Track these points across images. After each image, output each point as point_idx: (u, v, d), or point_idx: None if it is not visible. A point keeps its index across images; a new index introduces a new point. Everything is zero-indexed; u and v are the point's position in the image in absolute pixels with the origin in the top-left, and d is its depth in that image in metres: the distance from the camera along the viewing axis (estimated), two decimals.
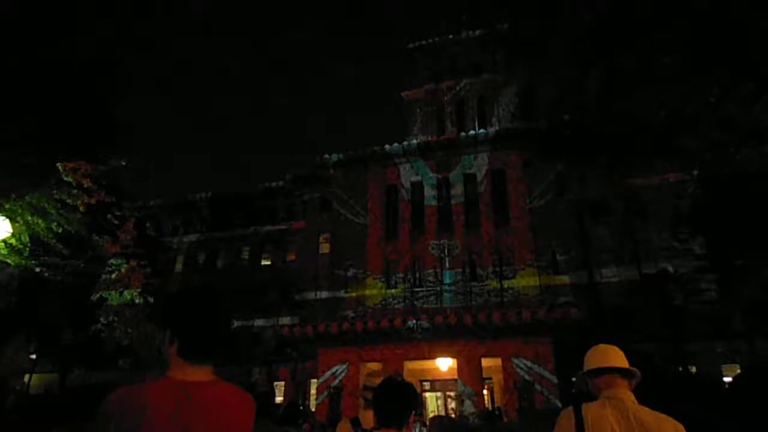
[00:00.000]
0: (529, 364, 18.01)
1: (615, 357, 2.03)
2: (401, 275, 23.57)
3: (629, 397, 1.93)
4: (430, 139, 26.18)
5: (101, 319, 20.42)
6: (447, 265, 23.25)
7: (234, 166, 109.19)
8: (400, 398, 2.01)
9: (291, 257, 28.88)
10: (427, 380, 21.31)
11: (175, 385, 1.31)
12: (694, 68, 8.70)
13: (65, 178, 11.92)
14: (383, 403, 2.01)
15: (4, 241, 10.07)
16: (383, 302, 23.17)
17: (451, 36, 29.15)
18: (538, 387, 17.61)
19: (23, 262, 11.49)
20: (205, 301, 1.46)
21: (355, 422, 3.44)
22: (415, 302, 22.71)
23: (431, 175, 25.32)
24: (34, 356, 22.10)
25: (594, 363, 2.04)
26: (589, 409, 1.89)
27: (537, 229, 22.45)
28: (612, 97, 10.83)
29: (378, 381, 3.04)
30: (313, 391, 22.22)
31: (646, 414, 1.85)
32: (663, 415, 1.85)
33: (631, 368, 2.00)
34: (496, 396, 19.80)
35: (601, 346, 2.13)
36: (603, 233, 20.95)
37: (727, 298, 15.08)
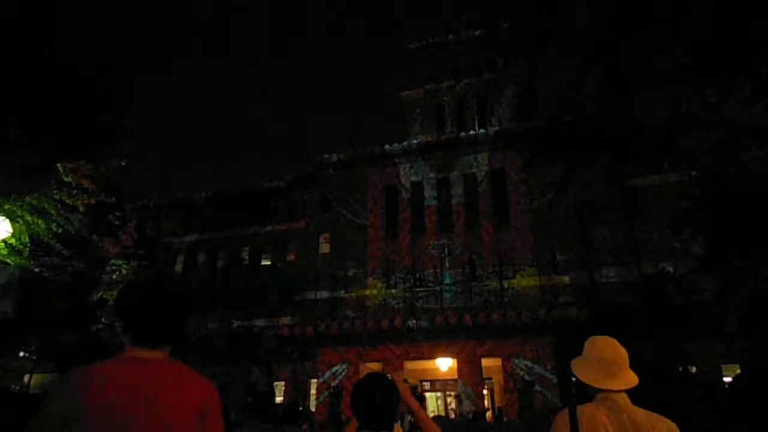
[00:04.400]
0: (529, 364, 18.02)
1: (617, 359, 2.01)
2: (401, 275, 23.57)
3: (623, 398, 1.93)
4: (430, 139, 26.16)
5: (102, 319, 20.42)
6: (447, 265, 23.25)
7: (234, 165, 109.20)
8: (384, 394, 1.86)
9: (291, 257, 28.90)
10: (427, 380, 21.32)
11: (126, 359, 1.42)
12: (694, 68, 8.71)
13: (65, 179, 11.91)
14: (367, 403, 1.88)
15: (4, 241, 10.08)
16: (383, 302, 23.18)
17: (451, 36, 29.13)
18: (538, 387, 17.62)
19: (23, 262, 11.49)
20: (149, 292, 1.53)
21: None
22: (415, 302, 22.72)
23: (431, 175, 25.32)
24: (34, 356, 22.10)
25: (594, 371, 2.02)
26: (584, 411, 1.89)
27: (537, 229, 22.45)
28: (612, 96, 10.83)
29: (399, 377, 2.86)
30: (313, 391, 22.23)
31: (640, 414, 1.85)
32: (656, 415, 1.86)
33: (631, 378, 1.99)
34: (496, 396, 19.82)
35: (599, 340, 2.11)
36: (603, 233, 20.95)
37: (727, 298, 15.08)
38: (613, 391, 1.94)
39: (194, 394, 1.40)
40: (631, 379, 1.96)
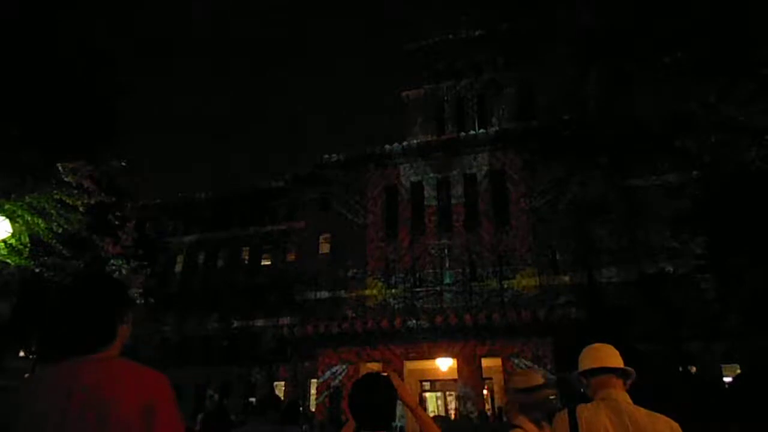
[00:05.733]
0: (529, 364, 18.02)
1: (610, 357, 2.02)
2: (401, 275, 23.58)
3: (624, 398, 1.92)
4: (430, 139, 26.17)
5: None
6: (447, 265, 23.25)
7: (234, 166, 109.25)
8: (381, 395, 1.87)
9: (291, 257, 28.91)
10: (427, 380, 21.32)
11: (62, 364, 1.34)
12: (694, 68, 8.71)
13: (65, 179, 11.91)
14: (364, 403, 1.89)
15: (4, 241, 10.07)
16: (383, 302, 23.18)
17: (451, 36, 29.15)
18: None
19: (23, 262, 11.48)
20: (55, 304, 1.46)
21: None
22: (415, 302, 22.72)
23: (431, 175, 25.32)
24: (34, 356, 22.09)
25: (589, 363, 2.03)
26: (584, 411, 1.89)
27: (537, 229, 22.46)
28: (612, 96, 10.84)
29: (532, 379, 2.42)
30: (313, 391, 22.23)
31: (641, 414, 1.84)
32: (657, 415, 1.85)
33: (626, 368, 2.00)
34: (496, 396, 19.81)
35: (596, 345, 2.12)
36: (603, 233, 20.95)
37: (727, 298, 15.08)
38: (612, 389, 1.94)
39: (135, 386, 1.29)
40: (618, 362, 2.01)
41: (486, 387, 19.56)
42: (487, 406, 19.15)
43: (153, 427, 1.25)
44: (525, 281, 21.91)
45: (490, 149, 24.66)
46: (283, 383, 25.04)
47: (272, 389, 24.08)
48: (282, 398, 24.14)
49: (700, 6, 8.19)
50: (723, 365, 18.09)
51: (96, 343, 1.38)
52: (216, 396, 25.23)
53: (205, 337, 28.30)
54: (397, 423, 17.42)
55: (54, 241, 12.16)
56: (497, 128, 25.12)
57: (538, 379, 2.33)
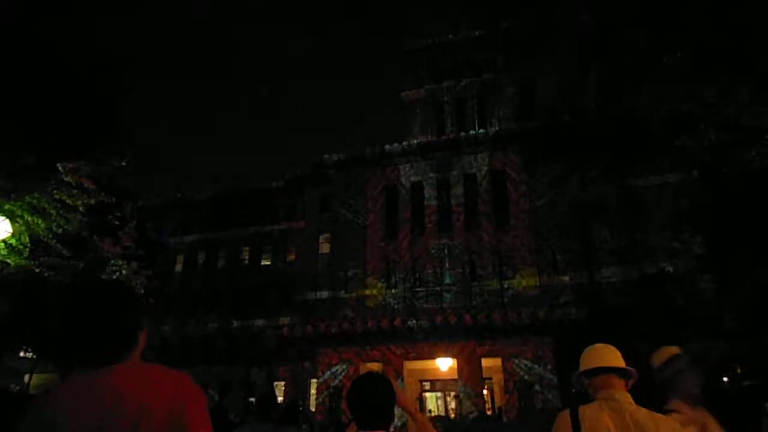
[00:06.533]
0: (529, 364, 18.02)
1: (611, 356, 2.02)
2: (401, 275, 23.56)
3: (626, 398, 1.92)
4: (430, 139, 26.16)
5: None
6: (447, 265, 23.24)
7: (234, 165, 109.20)
8: (378, 394, 1.86)
9: (291, 257, 28.91)
10: (427, 380, 21.31)
11: (91, 372, 1.32)
12: (694, 68, 8.71)
13: (65, 179, 11.91)
14: (362, 403, 1.87)
15: (4, 241, 10.07)
16: (383, 302, 23.17)
17: (451, 36, 29.14)
18: (538, 387, 17.62)
19: (23, 262, 11.48)
20: (67, 311, 1.42)
21: None
22: (415, 302, 22.71)
23: (431, 175, 25.31)
24: (34, 356, 22.10)
25: (590, 363, 2.03)
26: (586, 411, 1.89)
27: (537, 229, 22.45)
28: (612, 96, 10.84)
29: (667, 352, 2.37)
30: (313, 391, 22.22)
31: (643, 415, 1.84)
32: (660, 415, 1.85)
33: (627, 368, 2.00)
34: (496, 396, 19.81)
35: (598, 345, 2.12)
36: (603, 233, 20.95)
37: (727, 297, 15.08)
38: (614, 389, 1.95)
39: (166, 390, 1.29)
40: (619, 362, 2.01)
41: (486, 387, 19.56)
42: (487, 406, 19.14)
43: (186, 428, 1.26)
44: (525, 281, 21.90)
45: (490, 149, 24.64)
46: (283, 383, 25.03)
47: (272, 389, 24.06)
48: (282, 398, 24.20)
49: (701, 6, 8.18)
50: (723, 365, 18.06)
51: (122, 350, 1.37)
52: (216, 396, 25.23)
53: (205, 337, 28.30)
54: (397, 422, 17.44)
55: (54, 241, 12.17)
56: (497, 128, 25.11)
57: (672, 350, 2.20)
